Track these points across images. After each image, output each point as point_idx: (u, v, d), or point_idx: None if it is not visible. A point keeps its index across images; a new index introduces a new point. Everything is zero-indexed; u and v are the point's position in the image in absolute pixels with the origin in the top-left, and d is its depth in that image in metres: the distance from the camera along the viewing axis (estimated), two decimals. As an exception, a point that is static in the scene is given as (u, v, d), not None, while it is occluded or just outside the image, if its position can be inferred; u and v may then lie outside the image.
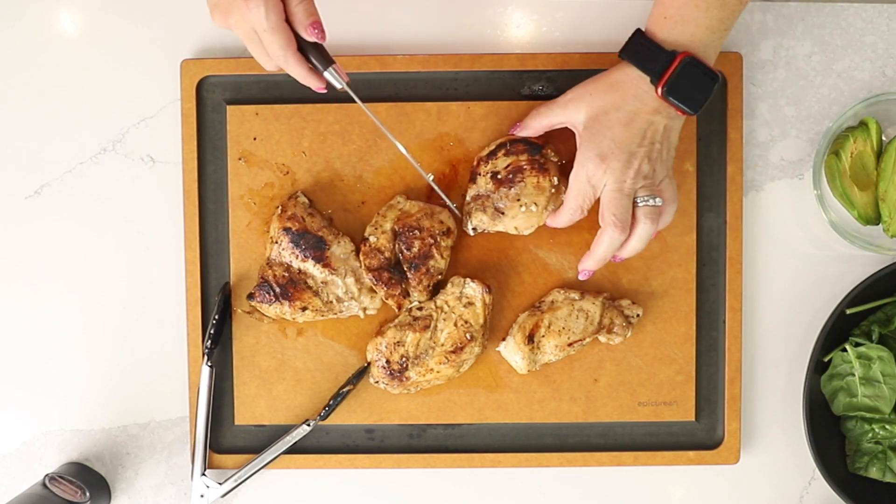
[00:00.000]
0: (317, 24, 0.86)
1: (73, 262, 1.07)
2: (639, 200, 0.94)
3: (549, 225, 1.00)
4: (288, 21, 0.85)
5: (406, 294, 1.02)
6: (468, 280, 1.02)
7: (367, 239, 1.02)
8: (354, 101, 0.94)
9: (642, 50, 0.92)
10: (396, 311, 1.03)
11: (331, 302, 1.02)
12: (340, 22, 1.07)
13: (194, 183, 1.05)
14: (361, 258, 1.02)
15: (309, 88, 1.05)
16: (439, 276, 1.03)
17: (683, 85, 0.90)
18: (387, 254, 1.02)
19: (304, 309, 1.01)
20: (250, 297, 1.02)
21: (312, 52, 0.88)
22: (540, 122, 0.99)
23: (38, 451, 1.08)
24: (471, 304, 1.02)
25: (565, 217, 0.97)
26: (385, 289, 1.02)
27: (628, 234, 0.95)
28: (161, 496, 1.09)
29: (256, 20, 0.83)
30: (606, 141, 0.92)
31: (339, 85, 0.90)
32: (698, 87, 0.91)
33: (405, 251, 1.01)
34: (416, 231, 1.01)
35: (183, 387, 1.07)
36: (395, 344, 1.02)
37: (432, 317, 1.02)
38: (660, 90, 0.91)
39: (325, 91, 0.90)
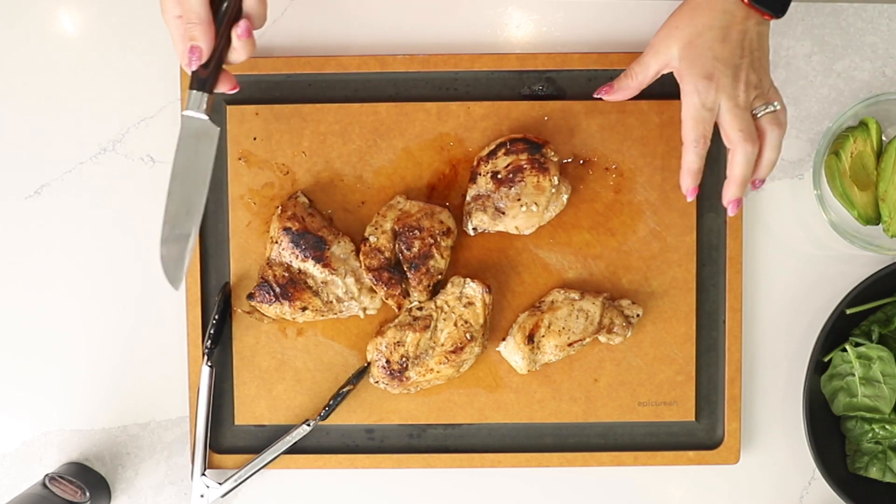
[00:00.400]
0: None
1: (73, 262, 1.07)
2: (757, 112, 0.92)
3: (684, 185, 0.94)
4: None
5: (406, 294, 1.02)
6: (468, 280, 1.02)
7: (367, 239, 1.02)
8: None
9: None
10: (396, 311, 1.03)
11: (331, 302, 1.02)
12: (341, 22, 1.07)
13: (194, 183, 1.05)
14: (361, 258, 1.02)
15: (309, 88, 1.05)
16: (439, 276, 1.03)
17: None
18: (387, 254, 1.02)
19: (304, 309, 1.01)
20: (250, 297, 1.02)
21: (200, 70, 0.85)
22: (637, 79, 0.95)
23: (38, 451, 1.08)
24: (471, 304, 1.02)
25: (690, 155, 0.92)
26: (385, 289, 1.02)
27: (759, 148, 0.92)
28: (161, 496, 1.09)
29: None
30: (709, 61, 0.89)
31: (184, 109, 0.87)
32: None
33: (405, 251, 1.01)
34: (416, 231, 1.01)
35: (183, 387, 1.07)
36: (395, 344, 1.02)
37: (432, 317, 1.02)
38: None
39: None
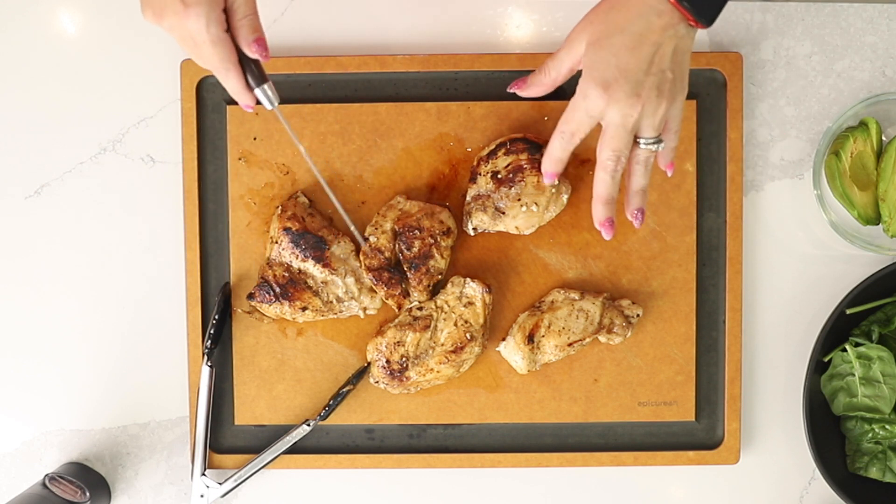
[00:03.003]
0: (260, 41, 0.82)
1: (72, 262, 1.07)
2: (640, 141, 0.86)
3: (543, 166, 0.90)
4: (229, 31, 0.81)
5: (406, 294, 1.02)
6: (468, 280, 1.02)
7: (367, 239, 1.02)
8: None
9: None
10: (396, 311, 1.03)
11: (331, 302, 1.02)
12: (341, 22, 1.07)
13: (194, 183, 1.05)
14: (361, 258, 1.02)
15: (309, 88, 1.05)
16: (439, 276, 1.03)
17: None
18: (387, 254, 1.02)
19: (304, 309, 1.01)
20: (250, 297, 1.02)
21: (249, 68, 0.83)
22: (549, 76, 0.90)
23: (38, 451, 1.08)
24: (471, 303, 1.02)
25: (556, 142, 0.88)
26: (385, 289, 1.02)
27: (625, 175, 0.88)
28: (161, 496, 1.09)
29: (196, 30, 0.78)
30: (610, 69, 0.82)
31: (269, 105, 0.86)
32: None
33: (405, 251, 1.01)
34: (416, 231, 1.01)
35: (183, 387, 1.07)
36: (395, 344, 1.02)
37: (432, 317, 1.02)
38: None
39: (251, 110, 0.87)
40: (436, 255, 1.02)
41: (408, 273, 1.02)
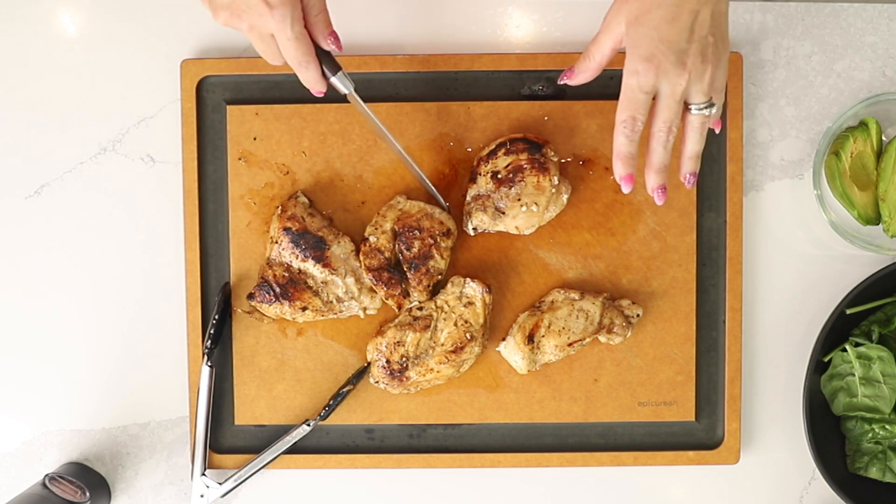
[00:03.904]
0: (334, 35, 0.89)
1: (72, 262, 1.07)
2: (692, 107, 0.87)
3: (615, 171, 0.89)
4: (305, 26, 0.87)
5: (406, 294, 1.02)
6: (468, 280, 1.02)
7: (367, 239, 1.02)
8: (353, 103, 0.95)
9: None
10: (396, 311, 1.03)
11: (331, 302, 1.02)
12: (341, 22, 1.06)
13: (194, 183, 1.05)
14: (361, 258, 1.02)
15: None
16: (439, 276, 1.03)
17: None
18: (387, 254, 1.02)
19: (304, 309, 1.02)
20: (250, 297, 1.02)
21: (323, 58, 0.90)
22: (595, 60, 0.90)
23: (38, 451, 1.08)
24: (471, 303, 1.02)
25: (619, 138, 0.87)
26: (385, 289, 1.02)
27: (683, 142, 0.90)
28: (161, 496, 1.09)
29: (278, 28, 0.84)
30: (653, 42, 0.84)
31: (345, 90, 0.93)
32: None
33: (405, 251, 1.01)
34: (416, 231, 1.01)
35: (183, 387, 1.07)
36: (395, 344, 1.02)
37: (432, 317, 1.02)
38: None
39: (322, 94, 0.92)
40: (436, 255, 1.02)
41: (408, 273, 1.02)
